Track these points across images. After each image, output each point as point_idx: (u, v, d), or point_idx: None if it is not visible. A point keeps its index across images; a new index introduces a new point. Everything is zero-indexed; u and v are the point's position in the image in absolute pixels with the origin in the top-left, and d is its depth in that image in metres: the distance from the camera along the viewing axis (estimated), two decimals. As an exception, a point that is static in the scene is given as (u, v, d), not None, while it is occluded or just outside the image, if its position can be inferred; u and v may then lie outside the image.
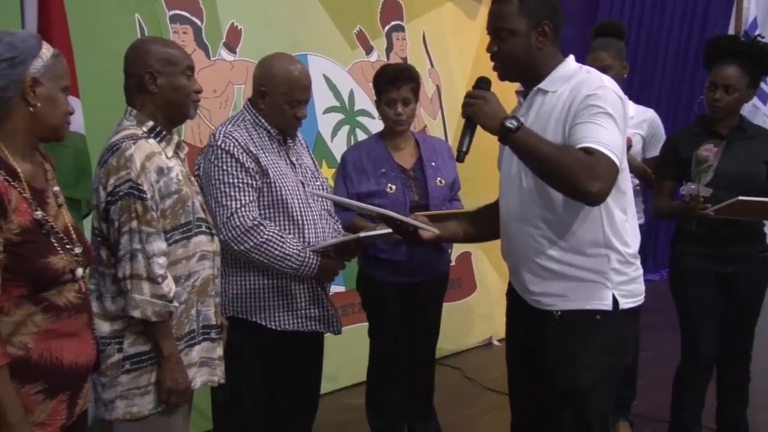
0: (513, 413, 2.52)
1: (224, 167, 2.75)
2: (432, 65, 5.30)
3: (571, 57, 2.29)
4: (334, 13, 4.71)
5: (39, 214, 1.97)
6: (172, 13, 3.93)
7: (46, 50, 2.02)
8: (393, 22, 5.11)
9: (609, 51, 3.63)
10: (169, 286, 2.30)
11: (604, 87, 2.15)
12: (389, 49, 5.06)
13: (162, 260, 2.28)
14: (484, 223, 2.51)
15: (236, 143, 2.76)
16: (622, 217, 2.23)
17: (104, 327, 2.31)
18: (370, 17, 4.97)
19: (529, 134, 2.06)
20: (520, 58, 2.23)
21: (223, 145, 2.76)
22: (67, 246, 2.03)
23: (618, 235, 2.22)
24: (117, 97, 2.58)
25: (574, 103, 2.13)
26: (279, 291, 2.83)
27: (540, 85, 2.25)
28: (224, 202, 2.72)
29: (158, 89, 2.38)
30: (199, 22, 4.03)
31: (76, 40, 3.02)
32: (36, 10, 2.75)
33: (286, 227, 2.81)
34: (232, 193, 2.73)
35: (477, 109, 2.11)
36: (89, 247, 2.15)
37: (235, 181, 2.74)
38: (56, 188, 2.12)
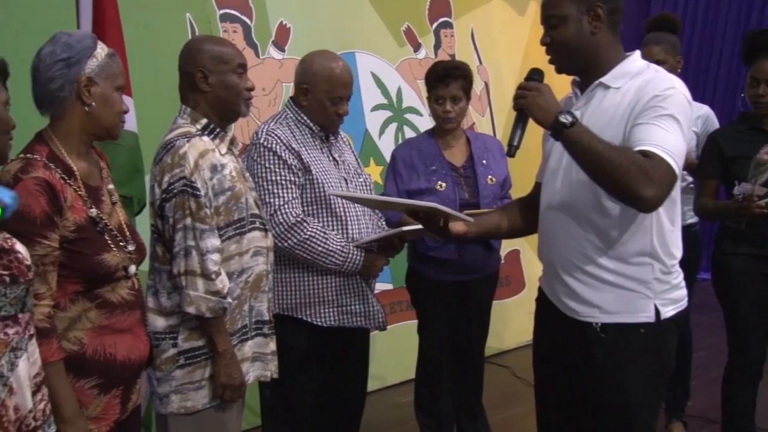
0: (540, 424, 2.43)
1: (267, 165, 2.76)
2: (480, 62, 5.26)
3: (638, 53, 2.19)
4: (382, 11, 4.71)
5: (93, 211, 2.01)
6: (222, 11, 3.97)
7: (101, 50, 2.05)
8: (441, 19, 5.09)
9: (662, 45, 3.56)
10: (222, 283, 2.31)
11: (674, 88, 2.04)
12: (437, 46, 5.05)
13: (216, 257, 2.30)
14: (528, 216, 2.42)
15: (278, 140, 2.77)
16: (670, 228, 2.14)
17: (159, 322, 2.34)
18: (418, 14, 4.96)
19: (583, 131, 1.96)
20: (572, 45, 2.12)
21: (265, 143, 2.78)
22: (121, 243, 2.06)
23: (664, 246, 2.13)
24: (169, 95, 2.61)
25: (640, 103, 2.02)
26: (323, 287, 2.83)
27: (602, 79, 2.14)
28: (267, 200, 2.72)
29: (210, 87, 2.40)
30: (248, 21, 4.07)
31: (129, 39, 3.07)
32: (91, 10, 2.80)
33: (330, 223, 2.82)
34: (275, 191, 2.74)
35: (530, 101, 2.01)
36: (142, 244, 2.18)
37: (278, 178, 2.75)
38: (111, 186, 2.15)
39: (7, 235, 1.72)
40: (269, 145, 2.77)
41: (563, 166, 2.18)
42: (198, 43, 2.50)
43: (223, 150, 2.42)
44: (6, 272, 1.64)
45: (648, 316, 2.12)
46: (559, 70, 2.21)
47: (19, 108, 2.05)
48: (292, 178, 2.77)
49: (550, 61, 2.20)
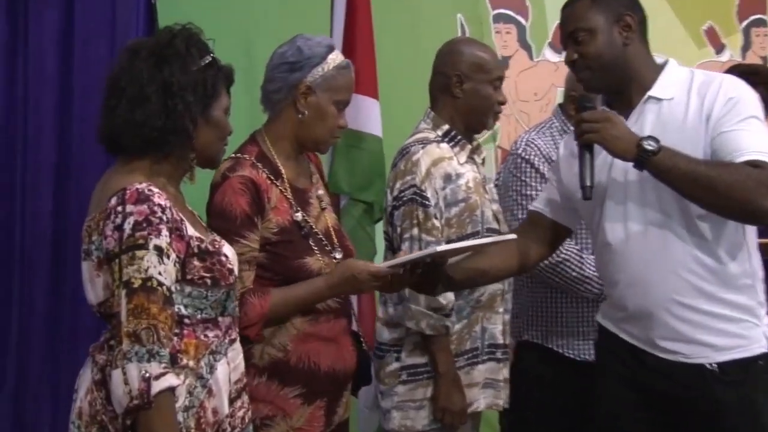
0: None
1: (522, 177, 2.55)
2: (801, 64, 4.60)
3: (672, 59, 2.02)
4: (679, 9, 4.28)
5: (299, 215, 1.97)
6: (496, 12, 3.86)
7: (333, 60, 2.01)
8: (753, 17, 4.52)
9: None
10: (446, 299, 2.21)
11: (742, 87, 1.92)
12: (746, 48, 4.48)
13: None
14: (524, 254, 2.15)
15: (538, 152, 2.55)
16: (753, 239, 1.97)
17: (385, 333, 2.31)
18: (724, 11, 4.45)
19: (675, 154, 1.80)
20: (605, 57, 1.96)
21: (523, 154, 2.57)
22: (326, 248, 2.00)
23: (757, 260, 1.96)
24: (421, 99, 2.53)
25: (715, 110, 1.87)
26: (578, 316, 2.54)
27: (651, 93, 1.95)
28: (519, 215, 2.51)
29: (462, 93, 2.35)
30: (523, 21, 3.92)
31: (389, 42, 3.07)
32: (344, 11, 2.82)
33: (588, 246, 2.51)
34: (528, 205, 2.53)
35: (604, 135, 1.84)
36: (351, 250, 2.10)
37: (533, 192, 2.50)
38: (321, 191, 2.11)
39: (216, 237, 1.72)
40: (527, 157, 2.57)
41: (631, 195, 1.95)
42: (460, 45, 2.44)
43: (462, 159, 2.33)
44: (208, 275, 1.62)
45: (762, 346, 1.93)
46: (590, 89, 2.04)
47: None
48: None
49: (579, 80, 2.04)
